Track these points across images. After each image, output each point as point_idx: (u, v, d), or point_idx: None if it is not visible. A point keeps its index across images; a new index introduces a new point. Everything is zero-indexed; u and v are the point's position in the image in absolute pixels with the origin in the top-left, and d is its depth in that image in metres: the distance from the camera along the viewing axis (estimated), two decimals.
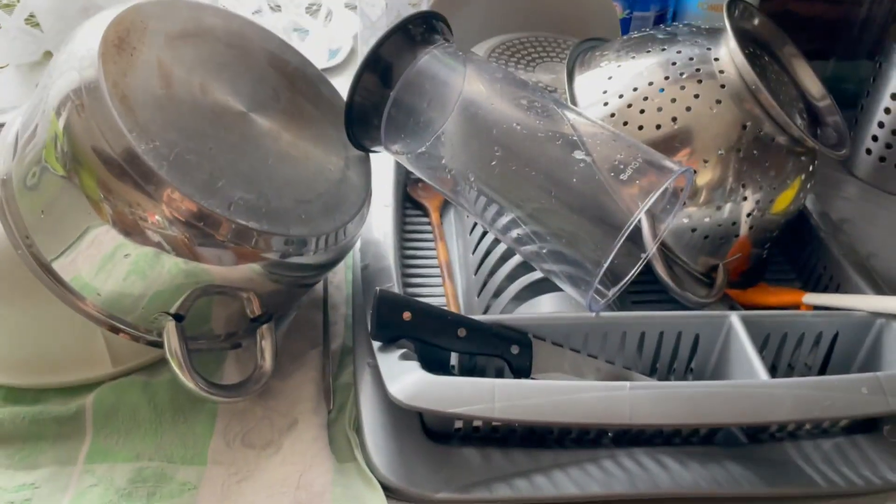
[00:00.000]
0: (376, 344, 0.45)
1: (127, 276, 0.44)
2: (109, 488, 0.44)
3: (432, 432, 0.47)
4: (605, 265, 0.43)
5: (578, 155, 0.45)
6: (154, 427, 0.48)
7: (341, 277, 0.60)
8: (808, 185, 0.56)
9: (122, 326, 0.47)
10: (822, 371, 0.51)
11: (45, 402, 0.49)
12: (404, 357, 0.44)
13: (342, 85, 0.50)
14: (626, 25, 0.80)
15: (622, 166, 0.44)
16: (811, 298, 0.54)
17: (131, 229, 0.42)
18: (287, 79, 0.52)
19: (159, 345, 0.46)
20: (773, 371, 0.51)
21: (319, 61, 0.87)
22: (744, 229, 0.54)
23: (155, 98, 0.43)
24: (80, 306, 0.46)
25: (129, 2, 0.46)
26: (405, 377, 0.42)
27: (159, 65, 0.45)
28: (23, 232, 0.45)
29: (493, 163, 0.46)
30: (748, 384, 0.43)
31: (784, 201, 0.55)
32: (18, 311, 0.49)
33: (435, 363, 0.46)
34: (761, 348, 0.49)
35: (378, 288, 0.45)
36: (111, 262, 0.43)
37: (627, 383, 0.41)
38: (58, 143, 0.42)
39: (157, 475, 0.45)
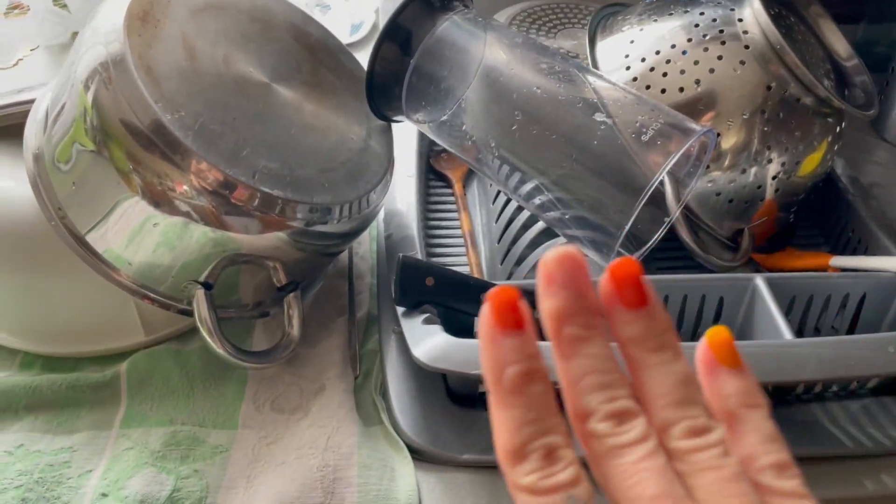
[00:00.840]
0: (400, 309, 0.46)
1: (157, 246, 0.45)
2: (144, 451, 0.45)
3: (456, 396, 0.47)
4: (627, 228, 0.43)
5: (599, 117, 0.45)
6: (186, 393, 0.49)
7: (366, 248, 0.61)
8: (836, 147, 0.55)
9: (153, 295, 0.48)
10: (850, 334, 0.51)
11: (81, 369, 0.51)
12: (428, 321, 0.45)
13: (365, 58, 0.50)
14: None
15: (643, 128, 0.44)
16: (838, 261, 0.53)
17: (160, 199, 0.43)
18: (309, 50, 0.52)
19: (189, 313, 0.47)
20: (800, 334, 0.50)
21: (342, 36, 0.87)
22: (769, 193, 0.53)
23: (179, 70, 0.44)
24: (114, 277, 0.47)
25: None
26: (428, 340, 0.43)
27: (183, 37, 0.45)
28: (56, 205, 0.46)
29: (514, 127, 0.46)
30: (772, 343, 0.43)
31: (811, 164, 0.54)
32: (54, 283, 0.51)
33: (458, 328, 0.46)
34: (787, 311, 0.49)
35: (401, 254, 0.46)
36: (141, 233, 0.45)
37: None
38: (87, 117, 0.43)
39: (190, 439, 0.46)
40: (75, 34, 0.85)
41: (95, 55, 0.43)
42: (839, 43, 0.57)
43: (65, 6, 0.85)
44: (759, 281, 0.48)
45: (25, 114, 0.49)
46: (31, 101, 0.50)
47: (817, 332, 0.51)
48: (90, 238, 0.46)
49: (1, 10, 0.78)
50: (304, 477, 0.43)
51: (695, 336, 0.50)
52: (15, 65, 0.85)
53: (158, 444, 0.45)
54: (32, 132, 0.48)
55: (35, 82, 0.56)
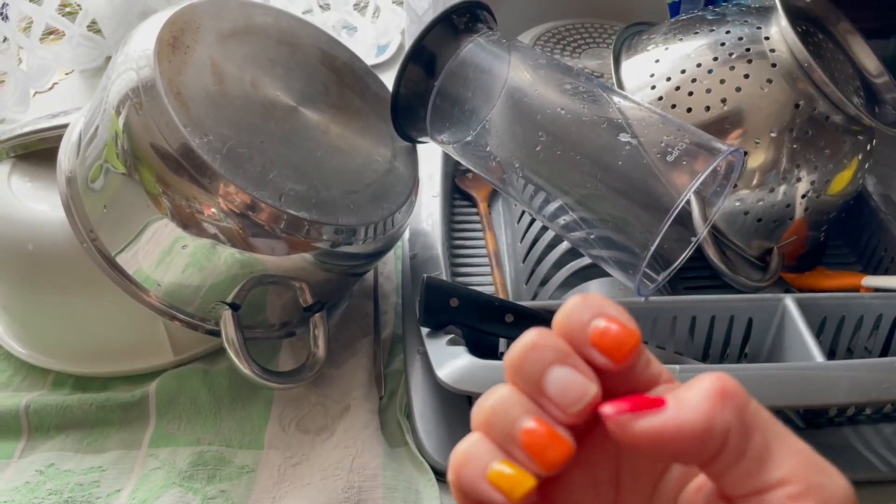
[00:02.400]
0: (425, 330, 0.46)
1: (185, 267, 0.46)
2: (172, 471, 0.45)
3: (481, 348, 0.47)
4: (653, 248, 0.43)
5: (624, 138, 0.44)
6: (213, 413, 0.49)
7: (391, 268, 0.61)
8: (866, 165, 0.54)
9: (181, 316, 0.49)
10: (884, 356, 0.50)
11: (111, 389, 0.51)
12: (452, 342, 0.45)
13: (391, 80, 0.50)
14: (675, 9, 0.79)
15: (669, 148, 0.44)
16: (871, 281, 0.52)
17: (188, 222, 0.43)
18: (336, 73, 0.53)
19: (217, 333, 0.47)
20: (832, 356, 0.49)
21: (368, 57, 0.88)
22: (799, 211, 0.53)
23: (208, 94, 0.44)
24: (144, 298, 0.48)
25: (183, 2, 0.48)
26: (453, 362, 0.43)
27: (212, 62, 0.46)
28: (87, 227, 0.47)
29: (538, 148, 0.46)
30: (802, 366, 0.42)
31: (841, 182, 0.53)
32: (85, 304, 0.52)
33: (483, 349, 0.46)
34: (818, 332, 0.48)
35: (425, 275, 0.46)
36: (170, 255, 0.45)
37: (677, 367, 0.41)
38: (118, 140, 0.44)
39: (217, 459, 0.46)
40: (109, 59, 0.87)
41: (127, 80, 0.44)
42: (869, 59, 0.57)
43: (99, 31, 0.87)
44: (789, 301, 0.47)
45: (59, 138, 0.51)
46: (66, 126, 0.51)
47: (850, 353, 0.50)
48: (120, 259, 0.47)
49: (37, 35, 0.80)
50: (329, 499, 0.43)
51: (722, 358, 0.50)
52: (50, 88, 0.87)
53: (185, 463, 0.46)
54: (66, 155, 0.49)
55: (70, 106, 0.58)
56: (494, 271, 0.59)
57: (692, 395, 0.19)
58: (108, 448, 0.48)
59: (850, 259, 0.61)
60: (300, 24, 0.54)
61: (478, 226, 0.65)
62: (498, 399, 0.21)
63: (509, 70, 0.49)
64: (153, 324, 0.51)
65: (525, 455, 0.20)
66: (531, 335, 0.21)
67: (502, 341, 0.48)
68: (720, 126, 0.51)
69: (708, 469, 0.19)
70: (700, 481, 0.21)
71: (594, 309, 0.20)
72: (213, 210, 0.42)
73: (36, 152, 0.56)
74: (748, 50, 0.51)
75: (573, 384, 0.20)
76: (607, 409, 0.19)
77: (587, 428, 0.22)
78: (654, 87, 0.53)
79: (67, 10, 0.89)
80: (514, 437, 0.20)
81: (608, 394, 0.20)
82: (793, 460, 0.19)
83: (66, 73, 0.90)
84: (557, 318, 0.21)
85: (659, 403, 0.19)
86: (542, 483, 0.21)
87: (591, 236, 0.47)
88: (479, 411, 0.21)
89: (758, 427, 0.19)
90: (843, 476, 0.19)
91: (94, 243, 0.47)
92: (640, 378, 0.21)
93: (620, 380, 0.21)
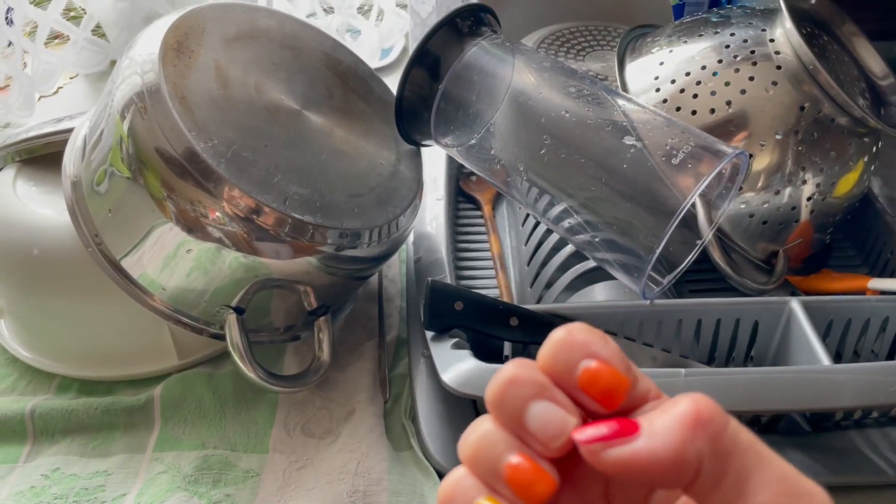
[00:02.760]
0: (429, 334, 0.46)
1: (190, 271, 0.46)
2: (177, 475, 0.45)
3: None
4: (658, 251, 0.42)
5: (629, 140, 0.44)
6: (218, 417, 0.49)
7: (396, 271, 0.61)
8: (872, 167, 0.54)
9: (186, 320, 0.49)
10: (890, 359, 0.50)
11: (116, 393, 0.51)
12: (457, 346, 0.45)
13: (394, 83, 0.50)
14: (679, 11, 0.79)
15: (674, 151, 0.44)
16: (877, 283, 0.52)
17: (193, 226, 0.43)
18: (340, 77, 0.53)
19: (222, 337, 0.47)
20: (838, 359, 0.49)
21: (371, 61, 0.88)
22: (804, 214, 0.53)
23: (212, 98, 0.45)
24: (148, 302, 0.48)
25: (188, 6, 0.48)
26: (458, 365, 0.43)
27: (216, 66, 0.46)
28: (92, 231, 0.47)
29: (543, 151, 0.46)
30: (808, 369, 0.42)
31: (846, 184, 0.53)
32: (90, 308, 0.52)
33: (488, 353, 0.46)
34: (824, 335, 0.48)
35: (429, 278, 0.46)
36: (175, 259, 0.45)
37: (682, 370, 0.41)
38: (123, 145, 0.44)
39: (222, 463, 0.46)
40: (113, 63, 0.87)
41: (131, 85, 0.44)
42: (874, 61, 0.57)
43: (103, 36, 0.87)
44: (795, 304, 0.47)
45: (64, 142, 0.51)
46: (70, 130, 0.51)
47: (856, 356, 0.50)
48: (125, 263, 0.47)
49: (42, 39, 0.81)
50: (334, 502, 0.43)
51: (728, 361, 0.50)
52: (55, 93, 0.87)
53: (190, 467, 0.46)
54: (71, 160, 0.49)
55: (74, 110, 0.58)
56: (499, 274, 0.59)
57: (664, 422, 0.19)
58: (114, 452, 0.48)
59: (857, 261, 0.61)
60: (304, 28, 0.54)
61: (482, 229, 0.65)
62: (481, 434, 0.20)
63: (513, 73, 0.49)
64: (158, 328, 0.51)
65: (510, 491, 0.20)
66: (509, 368, 0.20)
67: (507, 344, 0.48)
68: (725, 128, 0.51)
69: (687, 493, 0.19)
70: (685, 500, 0.21)
71: (582, 349, 0.20)
72: (217, 214, 0.42)
73: (41, 157, 0.56)
74: (753, 52, 0.51)
75: (553, 419, 0.20)
76: (579, 435, 0.19)
77: (575, 449, 0.22)
78: (658, 90, 0.53)
79: (72, 14, 0.89)
80: (498, 473, 0.20)
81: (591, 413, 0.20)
82: (771, 488, 0.19)
83: (71, 78, 0.90)
84: (543, 357, 0.20)
85: (632, 430, 0.19)
86: None
87: (596, 239, 0.47)
88: (464, 446, 0.21)
89: (735, 453, 0.19)
90: (823, 493, 0.19)
91: (99, 247, 0.47)
92: (628, 398, 0.21)
93: None
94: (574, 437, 0.19)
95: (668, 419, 0.19)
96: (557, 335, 0.20)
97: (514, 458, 0.20)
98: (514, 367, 0.20)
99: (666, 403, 0.20)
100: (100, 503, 0.44)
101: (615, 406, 0.20)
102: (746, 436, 0.19)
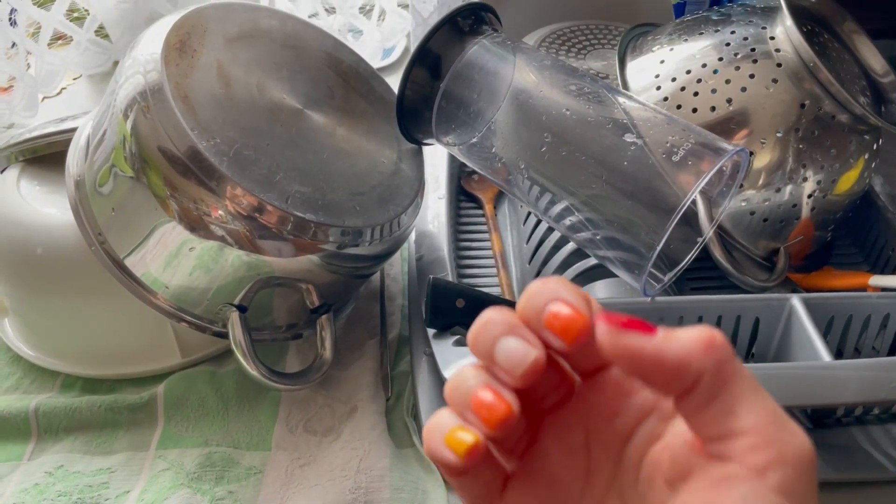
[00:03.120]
0: (431, 331, 0.46)
1: (193, 269, 0.46)
2: (180, 472, 0.46)
3: None
4: (659, 248, 0.43)
5: (629, 138, 0.44)
6: (221, 415, 0.49)
7: (398, 269, 0.61)
8: (873, 165, 0.54)
9: (189, 318, 0.49)
10: (891, 356, 0.50)
11: (119, 391, 0.52)
12: (458, 343, 0.45)
13: (396, 83, 0.51)
14: (680, 10, 0.79)
15: (674, 148, 0.44)
16: (878, 280, 0.52)
17: (196, 224, 0.44)
18: (341, 76, 0.53)
19: (224, 335, 0.47)
20: (839, 355, 0.49)
21: (373, 60, 0.88)
22: (805, 211, 0.53)
23: (215, 97, 0.45)
24: (152, 300, 0.48)
25: (190, 6, 0.48)
26: (460, 363, 0.43)
27: (218, 66, 0.46)
28: (96, 230, 0.47)
29: (543, 149, 0.47)
30: (809, 365, 0.42)
31: (847, 182, 0.53)
32: (94, 307, 0.52)
33: None
34: (825, 332, 0.48)
35: (431, 276, 0.46)
36: (178, 257, 0.45)
37: None
38: (126, 144, 0.44)
39: (225, 460, 0.46)
40: (116, 64, 0.88)
41: (134, 84, 0.44)
42: (875, 59, 0.57)
43: (106, 36, 0.87)
44: (796, 301, 0.47)
45: (68, 142, 0.51)
46: (74, 130, 0.52)
47: (857, 353, 0.50)
48: (129, 262, 0.47)
49: (45, 40, 0.81)
50: (336, 499, 0.43)
51: None
52: (58, 93, 0.87)
53: (194, 465, 0.46)
54: (74, 159, 0.49)
55: (78, 110, 0.58)
56: (500, 272, 0.59)
57: (682, 334, 0.21)
58: (117, 450, 0.48)
59: (858, 259, 0.61)
60: (306, 28, 0.54)
61: (484, 227, 0.65)
62: (459, 374, 0.24)
63: (514, 71, 0.49)
64: (161, 326, 0.51)
65: (475, 417, 0.23)
66: (486, 313, 0.23)
67: None
68: (726, 126, 0.51)
69: (679, 404, 0.21)
70: (667, 441, 0.23)
71: (550, 294, 0.23)
72: (220, 212, 0.43)
73: (44, 156, 0.56)
74: (753, 50, 0.51)
75: (517, 351, 0.22)
76: (602, 317, 0.21)
77: (559, 399, 0.25)
78: (659, 88, 0.53)
79: (75, 15, 0.89)
80: (468, 404, 0.23)
81: (579, 364, 0.24)
82: (758, 415, 0.21)
83: (74, 78, 0.90)
84: (519, 303, 0.23)
85: (651, 330, 0.21)
86: (520, 454, 0.25)
87: (597, 237, 0.47)
88: (446, 386, 0.24)
89: (733, 380, 0.21)
90: (805, 436, 0.21)
91: (102, 246, 0.47)
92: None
93: (588, 353, 0.23)
94: (597, 318, 0.21)
95: (686, 333, 0.21)
96: (533, 284, 0.23)
97: (481, 391, 0.23)
98: (490, 311, 0.23)
99: (687, 328, 0.22)
100: (103, 500, 0.44)
101: (574, 341, 0.22)
102: (747, 372, 0.21)
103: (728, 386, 0.21)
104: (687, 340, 0.21)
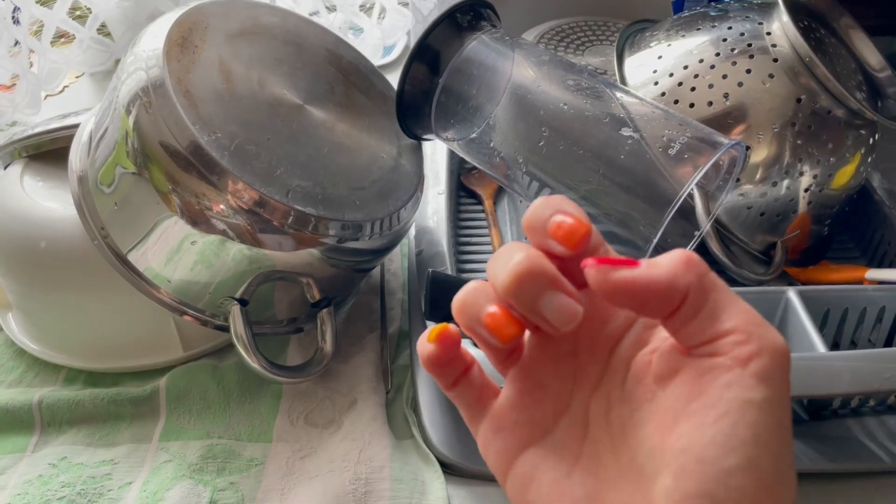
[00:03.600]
0: (430, 324, 0.47)
1: (194, 264, 0.46)
2: (182, 464, 0.46)
3: None
4: (655, 241, 0.43)
5: (626, 132, 0.45)
6: (223, 407, 0.50)
7: (398, 264, 0.62)
8: (869, 160, 0.55)
9: (191, 312, 0.49)
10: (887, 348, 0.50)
11: (122, 384, 0.52)
12: None
13: (397, 80, 0.51)
14: (679, 6, 0.79)
15: (671, 142, 0.44)
16: (874, 274, 0.52)
17: (198, 218, 0.44)
18: (342, 73, 0.54)
19: (226, 328, 0.48)
20: (836, 348, 0.50)
21: (374, 58, 0.89)
22: (802, 205, 0.53)
23: (216, 93, 0.45)
24: (154, 294, 0.49)
25: (192, 3, 0.48)
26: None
27: (220, 61, 0.47)
28: (98, 225, 0.48)
29: (542, 144, 0.47)
30: (804, 357, 0.42)
31: (844, 176, 0.54)
32: (97, 301, 0.52)
33: None
34: (822, 325, 0.48)
35: (430, 269, 0.46)
36: (180, 251, 0.46)
37: None
38: (128, 139, 0.44)
39: (226, 452, 0.47)
40: (118, 61, 0.88)
41: (136, 80, 0.44)
42: (871, 54, 0.57)
43: (108, 35, 0.88)
44: (792, 294, 0.47)
45: (70, 138, 0.51)
46: (76, 126, 0.52)
47: (853, 345, 0.50)
48: (131, 257, 0.48)
49: (48, 38, 0.82)
50: (336, 490, 0.44)
51: None
52: (61, 91, 0.88)
53: (196, 456, 0.47)
54: (77, 155, 0.50)
55: (80, 108, 0.59)
56: None
57: (662, 260, 0.23)
58: (120, 442, 0.48)
59: (855, 253, 0.61)
60: (306, 25, 0.54)
61: (483, 223, 0.65)
62: (470, 290, 0.26)
63: (513, 67, 0.50)
64: (163, 320, 0.52)
65: (487, 333, 0.25)
66: (501, 249, 0.25)
67: None
68: (723, 121, 0.51)
69: (668, 323, 0.23)
70: (654, 345, 0.25)
71: (553, 207, 0.25)
72: (221, 207, 0.43)
73: (47, 152, 0.57)
74: (750, 45, 0.52)
75: (567, 306, 0.24)
76: (590, 261, 0.23)
77: None
78: (657, 84, 0.54)
79: (77, 13, 0.90)
80: (480, 320, 0.25)
81: (577, 278, 0.24)
82: (739, 316, 0.23)
83: (77, 76, 0.91)
84: (525, 218, 0.25)
85: (635, 263, 0.23)
86: (507, 364, 0.28)
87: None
88: (457, 299, 0.26)
89: (713, 289, 0.23)
90: (778, 333, 0.23)
91: (105, 241, 0.48)
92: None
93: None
94: (585, 264, 0.23)
95: (665, 258, 0.23)
96: (538, 200, 0.25)
97: (492, 308, 0.25)
98: (504, 247, 0.25)
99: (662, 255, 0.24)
100: (106, 491, 0.45)
101: (576, 246, 0.24)
102: (721, 282, 0.24)
103: (710, 295, 0.23)
104: (669, 263, 0.23)
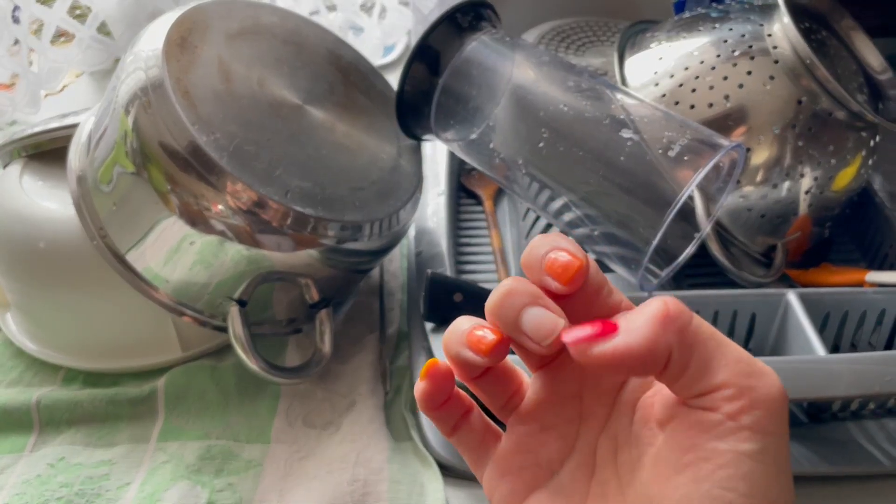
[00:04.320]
0: (429, 325, 0.47)
1: (193, 264, 0.46)
2: (180, 465, 0.46)
3: (486, 412, 0.47)
4: (655, 243, 0.43)
5: (626, 134, 0.45)
6: (221, 408, 0.50)
7: (397, 265, 0.61)
8: (870, 162, 0.54)
9: (190, 312, 0.49)
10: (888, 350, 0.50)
11: (121, 385, 0.52)
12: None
13: (397, 80, 0.51)
14: (680, 7, 0.79)
15: (671, 144, 0.44)
16: (875, 276, 0.52)
17: (196, 219, 0.44)
18: (341, 73, 0.54)
19: (224, 329, 0.48)
20: (836, 350, 0.50)
21: (374, 58, 0.88)
22: (802, 208, 0.53)
23: (215, 93, 0.45)
24: (153, 294, 0.49)
25: (192, 3, 0.48)
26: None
27: (219, 61, 0.47)
28: (97, 225, 0.48)
29: (541, 145, 0.47)
30: (804, 359, 0.42)
31: (845, 178, 0.53)
32: (96, 301, 0.52)
33: None
34: (822, 327, 0.48)
35: (429, 270, 0.46)
36: (178, 252, 0.46)
37: None
38: (127, 139, 0.44)
39: (225, 453, 0.47)
40: (118, 60, 0.88)
41: (136, 80, 0.44)
42: (872, 56, 0.57)
43: (108, 34, 0.88)
44: (792, 296, 0.47)
45: (69, 137, 0.51)
46: (76, 125, 0.52)
47: (853, 348, 0.50)
48: (130, 257, 0.48)
49: (48, 37, 0.81)
50: (334, 491, 0.44)
51: None
52: (61, 90, 0.88)
53: (194, 457, 0.46)
54: (76, 155, 0.50)
55: (80, 107, 0.58)
56: (500, 269, 0.60)
57: (638, 320, 0.22)
58: (118, 442, 0.48)
59: (856, 256, 0.61)
60: (306, 25, 0.54)
61: (483, 224, 0.65)
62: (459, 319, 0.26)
63: (513, 68, 0.50)
64: (162, 320, 0.52)
65: (468, 349, 0.25)
66: (508, 283, 0.25)
67: None
68: (724, 123, 0.51)
69: (659, 379, 0.23)
70: (657, 388, 0.25)
71: (549, 244, 0.24)
72: (220, 207, 0.43)
73: (47, 152, 0.57)
74: (751, 47, 0.52)
75: (544, 319, 0.24)
76: (567, 337, 0.23)
77: (553, 355, 0.27)
78: (657, 85, 0.53)
79: (78, 12, 0.89)
80: (462, 340, 0.25)
81: (579, 319, 0.24)
82: (729, 368, 0.22)
83: (77, 76, 0.91)
84: (522, 256, 0.25)
85: (612, 329, 0.22)
86: (514, 406, 0.27)
87: (595, 233, 0.48)
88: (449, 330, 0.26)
89: (698, 343, 0.22)
90: (773, 376, 0.23)
91: (104, 241, 0.48)
92: (604, 307, 0.25)
93: (588, 308, 0.24)
94: (563, 338, 0.23)
95: (642, 318, 0.22)
96: (535, 238, 0.25)
97: (475, 330, 0.25)
98: (512, 281, 0.25)
99: (640, 306, 0.23)
100: (104, 491, 0.45)
101: (571, 282, 0.24)
102: (707, 328, 0.23)
103: (695, 350, 0.22)
104: (644, 324, 0.22)
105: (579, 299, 0.24)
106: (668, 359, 0.22)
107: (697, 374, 0.22)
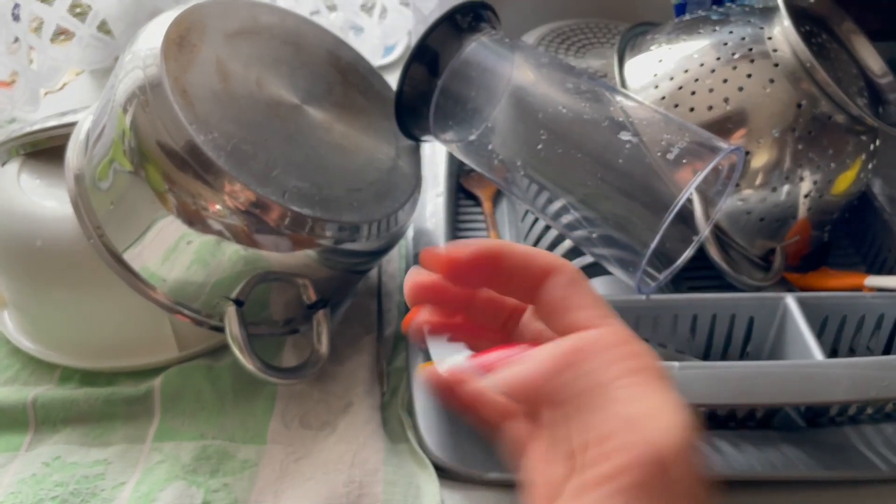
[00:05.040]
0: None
1: (190, 264, 0.46)
2: (175, 465, 0.46)
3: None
4: (653, 245, 0.43)
5: (625, 136, 0.45)
6: (217, 408, 0.50)
7: (395, 266, 0.61)
8: (870, 166, 0.54)
9: (187, 312, 0.49)
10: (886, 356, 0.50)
11: (117, 384, 0.52)
12: (453, 339, 0.45)
13: (396, 80, 0.51)
14: (681, 10, 0.79)
15: (670, 147, 0.44)
16: (874, 281, 0.52)
17: (194, 218, 0.44)
18: (340, 73, 0.54)
19: (221, 329, 0.48)
20: (834, 355, 0.49)
21: (374, 58, 0.88)
22: (802, 211, 0.53)
23: (213, 92, 0.45)
24: (150, 294, 0.49)
25: (191, 2, 0.48)
26: (454, 358, 0.43)
27: (218, 61, 0.47)
28: (95, 223, 0.48)
29: (540, 147, 0.47)
30: (802, 364, 0.42)
31: (844, 182, 0.53)
32: (92, 300, 0.52)
33: None
34: (819, 332, 0.48)
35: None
36: (176, 251, 0.46)
37: (676, 363, 0.41)
38: (125, 138, 0.44)
39: (220, 453, 0.47)
40: (118, 59, 0.88)
41: (134, 79, 0.44)
42: (873, 60, 0.57)
43: (109, 32, 0.88)
44: (790, 300, 0.47)
45: (68, 136, 0.51)
46: (74, 124, 0.52)
47: (852, 353, 0.50)
48: (127, 256, 0.48)
49: (48, 35, 0.81)
50: (330, 493, 0.44)
51: (724, 358, 0.50)
52: (61, 88, 0.88)
53: (189, 457, 0.46)
54: (74, 153, 0.50)
55: (80, 105, 0.58)
56: None
57: (524, 371, 0.27)
58: (114, 442, 0.48)
59: (856, 260, 0.61)
60: (305, 24, 0.54)
61: (482, 225, 0.65)
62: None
63: (512, 69, 0.50)
64: (159, 320, 0.52)
65: None
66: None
67: None
68: (723, 126, 0.51)
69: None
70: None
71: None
72: (217, 207, 0.43)
73: (45, 150, 0.56)
74: (751, 50, 0.51)
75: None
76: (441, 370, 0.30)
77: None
78: (657, 87, 0.53)
79: (78, 10, 0.89)
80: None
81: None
82: (609, 424, 0.23)
83: (77, 74, 0.90)
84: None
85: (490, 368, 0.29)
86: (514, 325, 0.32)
87: (594, 235, 0.47)
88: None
89: (583, 394, 0.25)
90: (666, 430, 0.23)
91: (101, 240, 0.48)
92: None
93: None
94: (440, 372, 0.30)
95: (531, 369, 0.27)
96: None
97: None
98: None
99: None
100: (100, 491, 0.45)
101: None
102: (602, 378, 0.25)
103: (579, 397, 0.24)
104: (538, 364, 0.26)
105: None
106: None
107: (579, 427, 0.25)
